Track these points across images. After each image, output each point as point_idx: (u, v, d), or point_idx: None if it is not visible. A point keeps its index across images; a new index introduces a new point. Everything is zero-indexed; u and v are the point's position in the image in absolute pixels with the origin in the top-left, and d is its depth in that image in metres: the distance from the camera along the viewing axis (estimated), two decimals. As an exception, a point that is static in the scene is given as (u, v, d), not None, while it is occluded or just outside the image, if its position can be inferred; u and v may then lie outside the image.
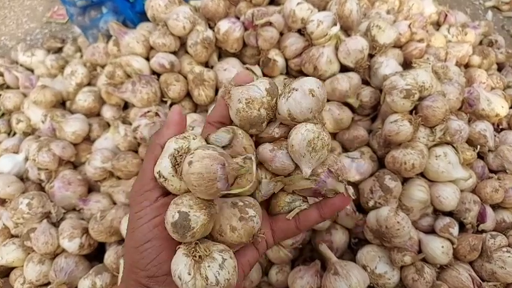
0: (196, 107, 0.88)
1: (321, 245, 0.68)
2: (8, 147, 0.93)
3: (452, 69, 0.87)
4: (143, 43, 0.85)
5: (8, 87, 1.10)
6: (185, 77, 0.84)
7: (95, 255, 0.77)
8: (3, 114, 1.04)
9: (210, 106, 0.85)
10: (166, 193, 0.38)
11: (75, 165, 0.87)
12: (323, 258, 0.69)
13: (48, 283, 0.73)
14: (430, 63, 0.80)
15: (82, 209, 0.77)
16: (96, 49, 0.97)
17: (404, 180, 0.73)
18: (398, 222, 0.63)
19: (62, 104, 0.97)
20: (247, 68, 0.85)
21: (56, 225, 0.76)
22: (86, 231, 0.73)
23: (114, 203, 0.78)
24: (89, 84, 0.96)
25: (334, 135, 0.81)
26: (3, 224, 0.80)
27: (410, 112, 0.73)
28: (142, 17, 0.94)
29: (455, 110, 0.83)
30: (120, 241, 0.73)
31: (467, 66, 1.08)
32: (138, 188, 0.39)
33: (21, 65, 1.17)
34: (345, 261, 0.65)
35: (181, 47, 0.87)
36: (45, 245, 0.72)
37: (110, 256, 0.70)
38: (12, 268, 0.79)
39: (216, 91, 0.85)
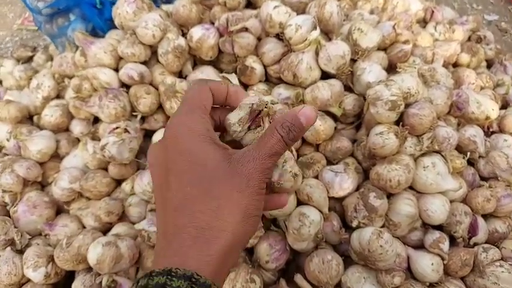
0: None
1: (296, 276, 0.64)
2: (-27, 166, 0.87)
3: (440, 71, 0.83)
4: (111, 53, 0.79)
5: (-25, 101, 1.03)
6: (157, 88, 0.79)
7: (63, 283, 0.71)
8: (-32, 130, 0.98)
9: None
10: None
11: (43, 185, 0.81)
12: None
13: (15, 315, 0.68)
14: (415, 67, 0.76)
15: (48, 235, 0.72)
16: (64, 59, 0.91)
17: (391, 194, 0.69)
18: (381, 246, 0.59)
19: (30, 118, 0.92)
20: (223, 77, 0.80)
21: (20, 252, 0.71)
22: (52, 259, 0.68)
23: (84, 227, 0.73)
24: (57, 96, 0.91)
25: (316, 147, 0.77)
26: (-35, 252, 0.74)
27: (396, 121, 0.69)
28: (112, 23, 0.88)
29: (444, 115, 0.79)
30: (89, 269, 0.68)
31: (455, 65, 1.04)
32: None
33: (-12, 77, 1.10)
34: None
35: (153, 55, 0.82)
36: (8, 275, 0.67)
37: (77, 286, 0.65)
38: (-23, 299, 0.74)
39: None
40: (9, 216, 0.75)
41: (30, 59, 1.17)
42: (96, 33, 0.93)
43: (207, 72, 0.79)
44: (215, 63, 0.86)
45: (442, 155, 0.71)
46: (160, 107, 0.80)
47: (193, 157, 0.34)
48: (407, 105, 0.69)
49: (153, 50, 0.82)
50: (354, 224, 0.66)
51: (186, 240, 0.32)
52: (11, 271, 0.67)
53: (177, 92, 0.75)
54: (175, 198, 0.34)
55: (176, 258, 0.31)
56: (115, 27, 0.87)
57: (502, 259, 0.69)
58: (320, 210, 0.65)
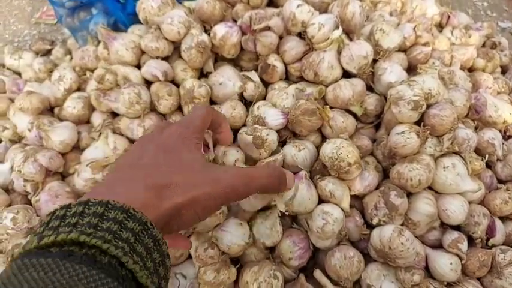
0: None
1: (316, 272, 0.65)
2: (-7, 156, 0.89)
3: (458, 74, 0.84)
4: (133, 50, 0.80)
5: (-6, 92, 1.05)
6: (178, 86, 0.79)
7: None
8: (-12, 121, 0.99)
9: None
10: None
11: (64, 176, 0.82)
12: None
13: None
14: (436, 69, 0.77)
15: (70, 224, 0.73)
16: (86, 52, 0.92)
17: (410, 193, 0.69)
18: (402, 243, 0.59)
19: (50, 110, 0.93)
20: (243, 75, 0.81)
21: (42, 241, 0.72)
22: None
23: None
24: (78, 89, 0.92)
25: (336, 145, 0.77)
26: (-13, 239, 0.75)
27: (416, 122, 0.69)
28: (134, 18, 0.89)
29: (462, 117, 0.80)
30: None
31: (471, 69, 1.05)
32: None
33: (8, 69, 1.12)
34: None
35: (175, 51, 0.83)
36: (31, 263, 0.68)
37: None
38: (-3, 286, 0.74)
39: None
40: (31, 205, 0.76)
41: (48, 52, 1.18)
42: (118, 27, 0.94)
43: (228, 75, 0.78)
44: (235, 61, 0.87)
45: (462, 157, 0.71)
46: (179, 108, 0.81)
47: (177, 153, 0.41)
48: (428, 106, 0.70)
49: (175, 45, 0.83)
50: (374, 221, 0.66)
51: (134, 186, 0.36)
52: (33, 259, 0.68)
53: (194, 98, 0.75)
54: (142, 163, 0.40)
55: (115, 196, 0.32)
56: (137, 22, 0.88)
57: (519, 261, 0.70)
58: (342, 208, 0.66)
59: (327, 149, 0.66)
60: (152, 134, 0.45)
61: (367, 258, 0.68)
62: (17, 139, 0.91)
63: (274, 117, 0.72)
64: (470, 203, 0.72)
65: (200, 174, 0.39)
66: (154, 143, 0.42)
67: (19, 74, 1.10)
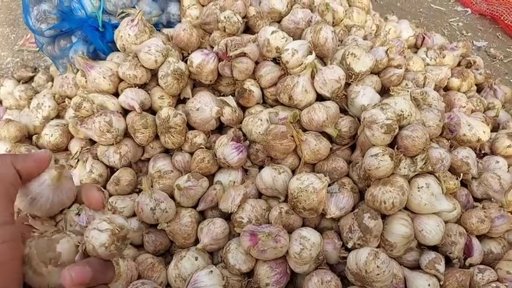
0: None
1: None
2: (-30, 185, 0.87)
3: (431, 95, 0.85)
4: (110, 78, 0.81)
5: (-26, 120, 1.04)
6: (155, 113, 0.80)
7: None
8: (-33, 149, 0.98)
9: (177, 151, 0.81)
10: None
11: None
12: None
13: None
14: (408, 91, 0.78)
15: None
16: (65, 80, 0.92)
17: (385, 215, 0.70)
18: (378, 266, 0.59)
19: (29, 137, 0.92)
20: (221, 100, 0.82)
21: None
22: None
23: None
24: (57, 116, 0.92)
25: (312, 166, 0.78)
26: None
27: (390, 143, 0.70)
28: (113, 46, 0.90)
29: (436, 137, 0.81)
30: None
31: (446, 89, 1.07)
32: None
33: (-12, 96, 1.11)
34: None
35: (152, 77, 0.84)
36: None
37: None
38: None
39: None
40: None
41: (30, 79, 1.18)
42: (98, 55, 0.95)
43: (205, 101, 0.79)
44: (213, 86, 0.88)
45: (436, 176, 0.72)
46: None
47: None
48: (400, 128, 0.71)
49: (153, 72, 0.84)
50: (350, 244, 0.66)
51: None
52: None
53: (170, 127, 0.75)
54: None
55: None
56: (116, 50, 0.89)
57: (497, 280, 0.70)
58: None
59: (293, 183, 0.67)
60: None
61: (346, 282, 0.68)
62: (-5, 168, 0.91)
63: (230, 156, 0.73)
64: (446, 222, 0.73)
65: None
66: None
67: (0, 101, 1.10)
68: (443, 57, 1.09)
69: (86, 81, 0.84)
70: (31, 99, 1.01)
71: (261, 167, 0.77)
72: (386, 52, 0.85)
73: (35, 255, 0.30)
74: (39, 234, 0.32)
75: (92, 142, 0.84)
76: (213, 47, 0.86)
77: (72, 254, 0.31)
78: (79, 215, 0.35)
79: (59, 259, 0.31)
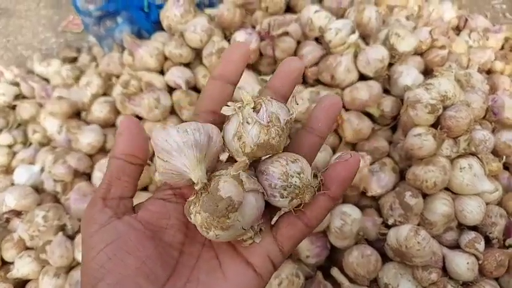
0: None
1: (333, 270, 0.66)
2: (24, 158, 0.93)
3: (475, 77, 0.84)
4: (157, 57, 0.84)
5: (24, 98, 1.10)
6: (199, 92, 0.83)
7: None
8: (19, 125, 1.04)
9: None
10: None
11: (91, 177, 0.86)
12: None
13: (64, 296, 0.73)
14: (452, 72, 0.78)
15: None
16: (111, 59, 0.96)
17: (427, 194, 0.70)
18: (418, 242, 0.60)
19: (77, 114, 0.97)
20: (262, 79, 0.83)
21: (71, 237, 0.76)
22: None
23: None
24: (104, 94, 0.96)
25: (353, 146, 0.79)
26: (19, 236, 0.79)
27: (433, 124, 0.71)
28: (157, 26, 0.93)
29: (480, 119, 0.80)
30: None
31: (489, 72, 1.05)
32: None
33: (37, 75, 1.17)
34: (357, 286, 0.63)
35: (196, 57, 0.86)
36: (61, 258, 0.72)
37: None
38: (28, 281, 0.79)
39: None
40: (60, 204, 0.80)
41: (74, 60, 1.24)
42: (142, 35, 0.98)
43: (246, 80, 0.81)
44: (254, 66, 0.90)
45: (479, 158, 0.72)
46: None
47: None
48: (444, 108, 0.71)
49: (197, 52, 0.86)
50: (390, 221, 0.68)
51: None
52: (64, 254, 0.72)
53: None
54: None
55: None
56: (160, 30, 0.92)
57: (538, 262, 0.70)
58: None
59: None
60: None
61: (384, 258, 0.69)
62: (47, 142, 0.96)
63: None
64: (487, 203, 0.73)
65: None
66: None
67: (48, 80, 1.15)
68: (487, 39, 1.07)
69: (133, 60, 0.88)
70: (77, 78, 1.06)
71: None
72: (430, 33, 0.84)
73: None
74: None
75: (139, 118, 0.88)
76: (254, 27, 0.87)
77: None
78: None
79: None
